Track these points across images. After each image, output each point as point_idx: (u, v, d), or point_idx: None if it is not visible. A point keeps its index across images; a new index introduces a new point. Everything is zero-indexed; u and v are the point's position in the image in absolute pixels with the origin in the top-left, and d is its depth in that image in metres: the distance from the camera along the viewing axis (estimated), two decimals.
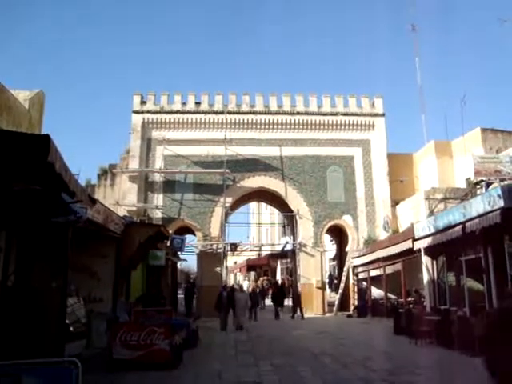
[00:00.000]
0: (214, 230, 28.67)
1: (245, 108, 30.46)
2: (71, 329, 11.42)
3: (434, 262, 18.90)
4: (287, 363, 11.91)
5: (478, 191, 19.97)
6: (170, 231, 24.08)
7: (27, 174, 6.18)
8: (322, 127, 30.43)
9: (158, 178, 29.10)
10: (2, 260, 9.11)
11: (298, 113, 30.49)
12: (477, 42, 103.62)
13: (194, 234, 29.28)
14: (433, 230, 17.22)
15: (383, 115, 31.05)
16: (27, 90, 16.35)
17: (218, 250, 28.56)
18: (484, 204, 13.54)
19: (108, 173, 29.92)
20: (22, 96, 15.39)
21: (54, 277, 9.65)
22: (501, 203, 12.70)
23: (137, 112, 29.93)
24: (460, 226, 14.75)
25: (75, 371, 4.29)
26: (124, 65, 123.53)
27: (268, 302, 32.24)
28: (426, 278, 19.08)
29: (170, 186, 29.05)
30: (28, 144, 5.04)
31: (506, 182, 17.60)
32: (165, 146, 29.24)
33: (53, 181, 5.77)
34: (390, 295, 24.67)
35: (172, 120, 29.86)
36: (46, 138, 4.76)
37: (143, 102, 30.16)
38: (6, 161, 5.55)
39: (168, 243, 22.47)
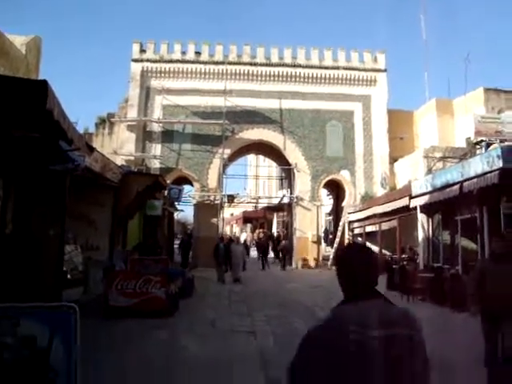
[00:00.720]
0: (212, 181, 28.70)
1: (245, 59, 30.01)
2: (68, 276, 11.55)
3: (430, 220, 19.00)
4: (281, 315, 12.12)
5: (478, 151, 19.90)
6: (168, 181, 24.07)
7: (25, 121, 6.11)
8: (322, 81, 30.09)
9: (156, 127, 28.90)
10: (0, 207, 9.12)
11: (300, 65, 30.05)
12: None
13: (192, 185, 29.33)
14: (430, 189, 17.25)
15: (385, 71, 30.67)
16: (24, 35, 16.05)
17: (215, 202, 28.68)
18: (483, 164, 13.52)
19: (106, 122, 29.70)
20: (19, 41, 15.13)
21: (51, 224, 9.68)
22: (500, 164, 12.68)
23: (136, 60, 29.47)
24: (457, 186, 14.76)
25: (74, 316, 4.33)
26: (124, 12, 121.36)
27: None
28: (420, 235, 19.20)
29: (168, 136, 28.88)
30: (25, 89, 4.96)
31: (506, 143, 17.53)
32: (164, 95, 28.95)
33: (51, 128, 5.71)
34: (384, 251, 24.90)
35: (171, 69, 29.45)
36: (44, 83, 4.68)
37: (142, 51, 29.65)
38: (3, 107, 5.48)
39: (165, 193, 22.51)
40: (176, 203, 27.62)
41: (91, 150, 9.36)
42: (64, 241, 10.08)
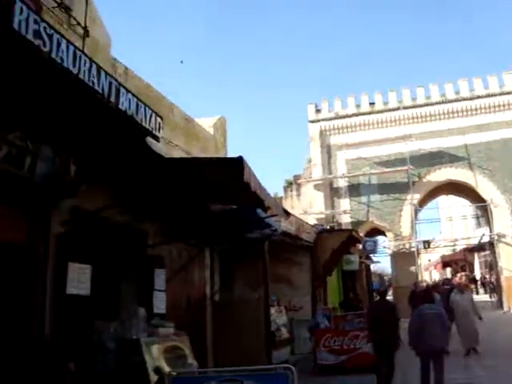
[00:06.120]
0: (405, 229, 28.11)
1: (420, 101, 29.46)
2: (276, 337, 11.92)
3: None
4: (497, 364, 11.20)
5: None
6: (361, 234, 24.04)
7: (224, 195, 6.62)
8: (506, 107, 28.23)
9: (342, 183, 29.26)
10: (209, 276, 9.81)
11: (478, 96, 28.61)
12: None
13: (385, 235, 28.98)
14: None
15: None
16: (209, 116, 17.47)
17: (411, 249, 27.92)
18: None
19: (293, 184, 30.81)
20: (207, 123, 16.46)
21: (255, 288, 10.17)
22: None
23: (313, 121, 30.42)
24: None
25: (291, 376, 4.52)
26: (297, 76, 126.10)
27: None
28: None
29: (354, 189, 29.07)
30: (224, 167, 5.43)
31: None
32: (345, 150, 29.33)
33: (247, 198, 6.11)
34: None
35: (348, 124, 29.85)
36: (240, 159, 5.08)
37: (318, 111, 30.55)
38: (205, 185, 6.02)
39: (360, 247, 22.48)
40: (372, 255, 27.43)
41: (288, 214, 9.77)
42: (269, 303, 10.49)
